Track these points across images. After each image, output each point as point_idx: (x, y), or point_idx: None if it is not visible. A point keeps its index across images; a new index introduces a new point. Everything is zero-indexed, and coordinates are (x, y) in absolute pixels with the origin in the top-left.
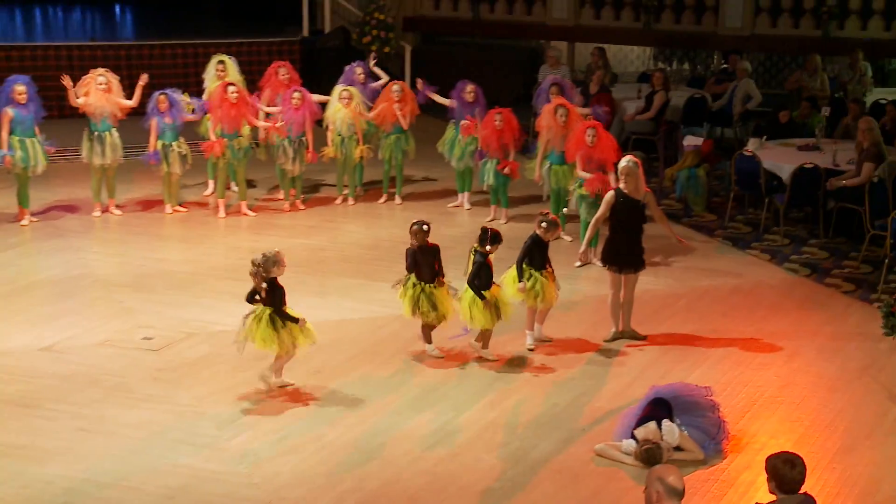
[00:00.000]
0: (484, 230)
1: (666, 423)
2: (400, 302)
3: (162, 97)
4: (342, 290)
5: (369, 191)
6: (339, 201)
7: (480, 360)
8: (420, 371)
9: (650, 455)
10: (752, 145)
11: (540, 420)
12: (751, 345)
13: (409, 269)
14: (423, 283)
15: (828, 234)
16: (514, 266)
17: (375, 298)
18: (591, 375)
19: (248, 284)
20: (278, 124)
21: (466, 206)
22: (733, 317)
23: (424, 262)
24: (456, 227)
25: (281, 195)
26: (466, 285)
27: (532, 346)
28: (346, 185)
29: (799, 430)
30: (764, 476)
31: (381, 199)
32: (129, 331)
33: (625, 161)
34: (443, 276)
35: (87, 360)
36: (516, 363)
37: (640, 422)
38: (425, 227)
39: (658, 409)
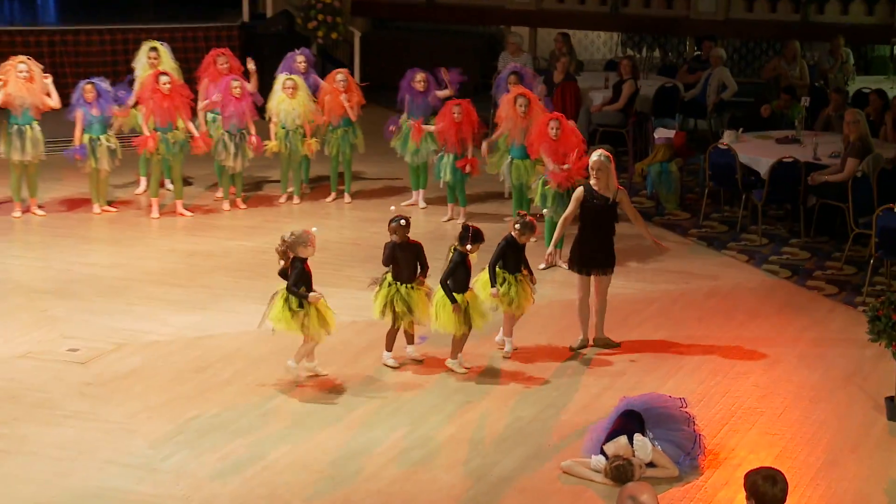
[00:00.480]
0: (465, 228)
1: (638, 437)
2: (365, 304)
3: (88, 87)
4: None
5: (316, 188)
6: (283, 200)
7: (449, 371)
8: (373, 383)
9: (621, 472)
10: (727, 138)
11: (503, 435)
12: (728, 352)
13: (385, 263)
14: (399, 282)
15: (809, 233)
16: (487, 269)
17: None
18: (558, 386)
19: (183, 290)
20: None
21: (421, 204)
22: (709, 322)
23: (404, 260)
24: (412, 228)
25: (220, 193)
26: (439, 285)
27: (509, 354)
28: (290, 183)
29: (780, 444)
30: (743, 493)
31: (329, 198)
32: (53, 342)
33: (596, 155)
34: (424, 277)
35: (5, 375)
36: (479, 373)
37: (610, 436)
38: (403, 221)
39: (629, 422)
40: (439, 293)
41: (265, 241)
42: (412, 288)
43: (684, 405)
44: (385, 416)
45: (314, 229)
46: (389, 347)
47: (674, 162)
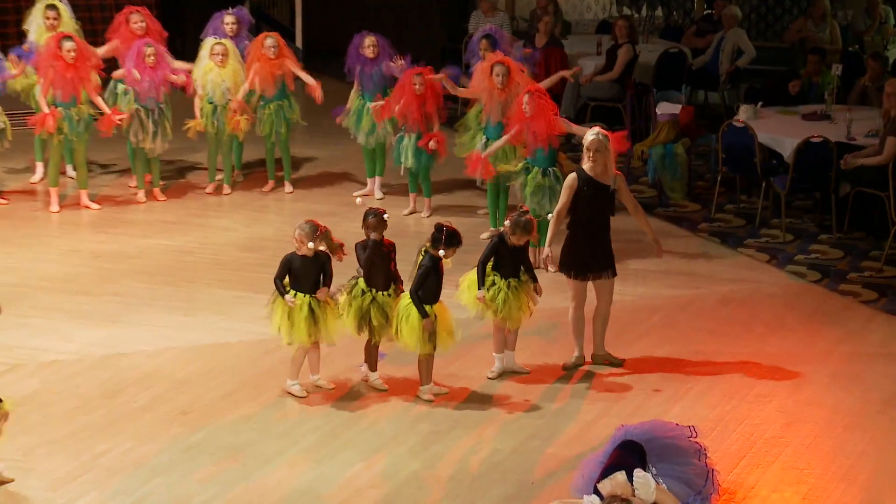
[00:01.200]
0: (438, 228)
1: (638, 472)
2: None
3: None
4: (216, 306)
5: (250, 176)
6: (210, 190)
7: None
8: (320, 409)
9: None
10: (743, 114)
11: (477, 472)
12: (746, 371)
13: (366, 266)
14: (374, 290)
15: (842, 227)
16: (476, 269)
17: (259, 316)
18: (544, 413)
19: (89, 299)
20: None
21: (377, 194)
22: (723, 335)
23: (380, 264)
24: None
25: (134, 182)
26: (407, 294)
27: (494, 375)
28: (219, 169)
29: (809, 481)
30: None
31: (267, 187)
32: None
33: (592, 134)
34: (401, 283)
35: None
36: (450, 398)
37: (606, 472)
38: (385, 215)
39: (628, 455)
40: (398, 306)
41: (189, 240)
42: (390, 296)
43: (694, 434)
44: (335, 449)
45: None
46: (374, 366)
47: (680, 143)
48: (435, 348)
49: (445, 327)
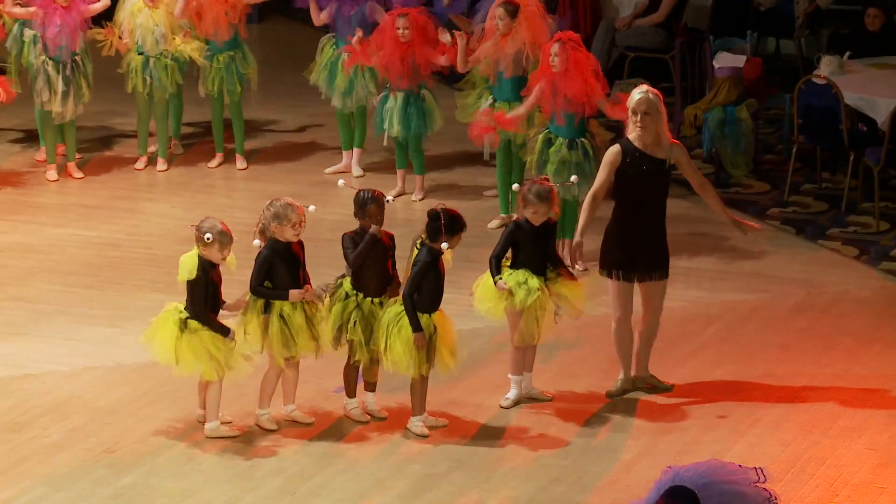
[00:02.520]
0: (435, 214)
1: None
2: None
3: None
4: (148, 314)
5: (191, 147)
6: (141, 165)
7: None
8: (284, 447)
9: None
10: (826, 68)
11: None
12: (829, 397)
13: (355, 265)
14: (361, 294)
15: None
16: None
17: None
18: (570, 451)
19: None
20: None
21: (356, 171)
22: (800, 352)
23: (374, 263)
24: (340, 208)
25: (42, 155)
26: (398, 300)
27: (508, 404)
28: (152, 135)
29: None
30: None
31: (214, 161)
32: None
33: (639, 92)
34: (399, 287)
35: None
36: (450, 432)
37: None
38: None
39: (678, 503)
40: (389, 314)
41: (114, 230)
42: (381, 305)
43: (762, 479)
44: (303, 497)
45: (311, 207)
46: (352, 393)
47: (744, 105)
48: (429, 368)
49: (446, 343)
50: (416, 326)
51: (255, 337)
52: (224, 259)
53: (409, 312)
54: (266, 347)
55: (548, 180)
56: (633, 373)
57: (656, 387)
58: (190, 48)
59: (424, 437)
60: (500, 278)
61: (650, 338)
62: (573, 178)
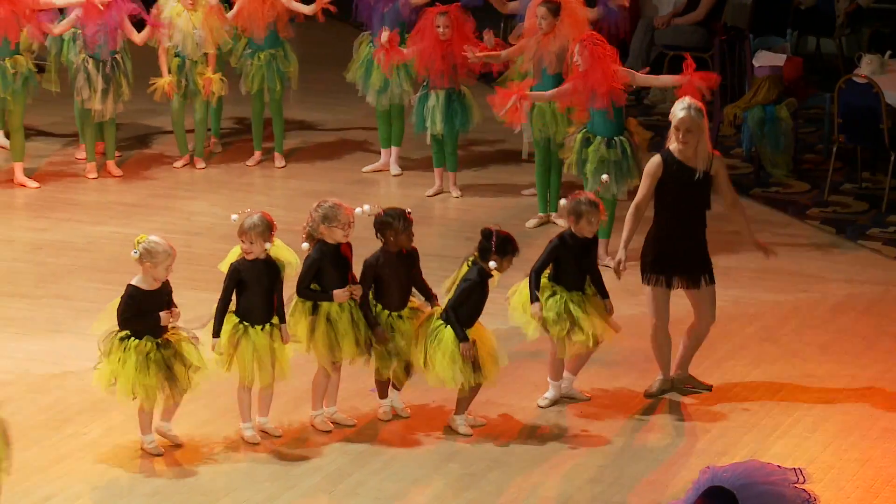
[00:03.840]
0: (487, 233)
1: None
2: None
3: None
4: (186, 312)
5: (230, 145)
6: (180, 164)
7: (449, 431)
8: (323, 444)
9: None
10: (867, 66)
11: None
12: (869, 398)
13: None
14: (381, 307)
15: None
16: (527, 280)
17: None
18: (609, 451)
19: (26, 302)
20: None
21: (394, 169)
22: (840, 352)
23: (395, 279)
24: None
25: (82, 153)
26: (435, 312)
27: (546, 404)
28: (190, 131)
29: None
30: None
31: (252, 160)
32: None
33: (683, 108)
34: (435, 297)
35: None
36: (488, 431)
37: None
38: (363, 210)
39: None
40: (425, 330)
41: (152, 228)
42: (400, 318)
43: (801, 480)
44: (341, 496)
45: (363, 209)
46: (384, 395)
47: (784, 104)
48: (477, 380)
49: (489, 353)
50: (463, 336)
51: (302, 338)
52: (266, 252)
53: (454, 324)
54: (312, 349)
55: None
56: (672, 373)
57: (695, 387)
58: (214, 78)
59: (468, 435)
60: (538, 301)
61: (696, 343)
62: (604, 176)
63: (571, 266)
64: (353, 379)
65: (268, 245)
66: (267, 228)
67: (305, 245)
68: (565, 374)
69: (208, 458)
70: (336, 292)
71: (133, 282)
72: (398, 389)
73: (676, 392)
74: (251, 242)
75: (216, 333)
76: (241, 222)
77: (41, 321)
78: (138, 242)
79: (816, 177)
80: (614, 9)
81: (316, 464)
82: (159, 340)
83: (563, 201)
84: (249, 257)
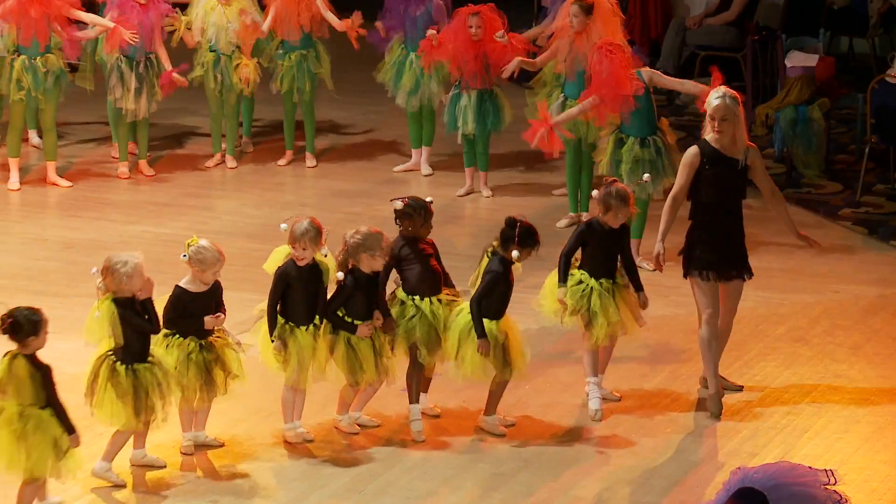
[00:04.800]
0: (511, 221)
1: None
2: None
3: None
4: None
5: (260, 144)
6: (212, 163)
7: (479, 431)
8: (351, 444)
9: None
10: None
11: None
12: None
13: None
14: (418, 297)
15: None
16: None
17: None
18: (638, 452)
19: (58, 301)
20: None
21: (425, 169)
22: (872, 353)
23: (419, 264)
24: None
25: (115, 152)
26: (465, 305)
27: (598, 414)
28: (225, 136)
29: None
30: None
31: (283, 160)
32: None
33: (718, 96)
34: (453, 287)
35: None
36: (517, 432)
37: None
38: (430, 202)
39: None
40: (458, 323)
41: (184, 227)
42: (442, 303)
43: (832, 481)
44: (370, 496)
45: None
46: (418, 396)
47: (816, 104)
48: (508, 372)
49: (517, 345)
50: (481, 332)
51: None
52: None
53: (475, 318)
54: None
55: (616, 181)
56: (702, 375)
57: (726, 387)
58: (250, 65)
59: (502, 435)
60: (564, 284)
61: (723, 340)
62: (645, 175)
63: (599, 252)
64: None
65: (323, 250)
66: (318, 234)
67: (340, 275)
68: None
69: (239, 457)
70: (361, 329)
71: (181, 283)
72: (424, 391)
73: (706, 392)
74: (304, 248)
75: (272, 334)
76: (290, 229)
77: (72, 320)
78: (188, 245)
79: (848, 177)
80: None
81: (346, 463)
82: (203, 342)
83: (594, 192)
84: (301, 263)
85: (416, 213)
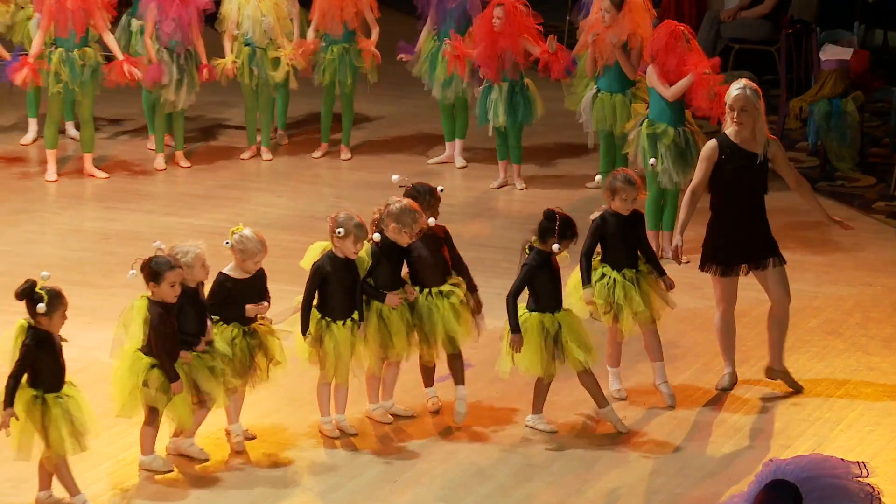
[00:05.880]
0: (550, 214)
1: None
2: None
3: None
4: None
5: (296, 136)
6: (247, 155)
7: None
8: (386, 437)
9: None
10: None
11: None
12: None
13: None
14: (430, 288)
15: None
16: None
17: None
18: (668, 444)
19: (94, 292)
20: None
21: (459, 161)
22: None
23: (432, 256)
24: (443, 200)
25: (152, 144)
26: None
27: (621, 395)
28: (260, 129)
29: None
30: None
31: (318, 152)
32: None
33: (737, 88)
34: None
35: None
36: (554, 423)
37: None
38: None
39: (779, 498)
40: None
41: (219, 218)
42: (441, 294)
43: (865, 473)
44: (405, 485)
45: (394, 178)
46: (430, 383)
47: (850, 98)
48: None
49: (575, 339)
50: (515, 327)
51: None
52: (356, 253)
53: (510, 313)
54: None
55: (623, 169)
56: (768, 363)
57: (790, 384)
58: (290, 52)
59: (553, 432)
60: (590, 285)
61: (780, 329)
62: (651, 160)
63: (618, 244)
64: (413, 371)
65: (368, 242)
66: (363, 231)
67: (377, 236)
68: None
69: (274, 447)
70: (389, 298)
71: (224, 270)
72: (431, 384)
73: (741, 384)
74: (353, 247)
75: (305, 331)
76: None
77: (109, 310)
78: (232, 233)
79: (882, 171)
80: None
81: (380, 454)
82: (246, 328)
83: (598, 177)
84: (342, 255)
85: (419, 197)
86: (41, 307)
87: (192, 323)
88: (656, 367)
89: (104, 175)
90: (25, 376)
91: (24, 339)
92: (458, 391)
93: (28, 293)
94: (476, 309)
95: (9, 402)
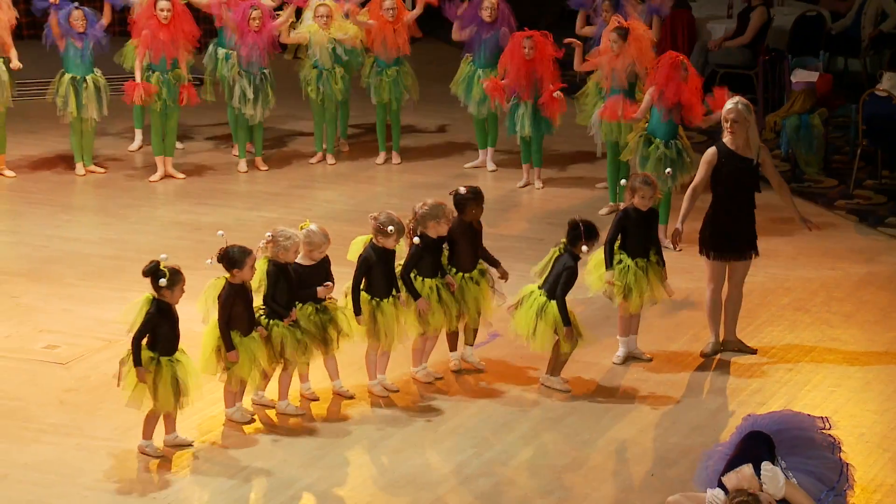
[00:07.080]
0: (575, 224)
1: (766, 465)
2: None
3: (78, 12)
4: None
5: (355, 144)
6: (315, 160)
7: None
8: (427, 395)
9: None
10: (887, 82)
11: (594, 462)
12: (887, 359)
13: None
14: (454, 269)
15: None
16: (602, 248)
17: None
18: (666, 401)
19: (188, 273)
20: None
21: (490, 166)
22: (861, 320)
23: (467, 244)
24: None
25: (235, 151)
26: (533, 288)
27: (619, 360)
28: (325, 138)
29: None
30: None
31: (380, 158)
32: (26, 337)
33: (731, 103)
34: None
35: None
36: (570, 384)
37: (732, 464)
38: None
39: (755, 447)
40: (534, 304)
41: (290, 212)
42: (471, 279)
43: (827, 426)
44: (445, 433)
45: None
46: (454, 347)
47: (817, 113)
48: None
49: (580, 320)
50: (567, 321)
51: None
52: (395, 245)
53: (563, 312)
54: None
55: (641, 173)
56: (722, 337)
57: (743, 350)
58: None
59: (567, 391)
60: (612, 268)
61: (736, 307)
62: (668, 170)
63: (637, 235)
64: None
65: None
66: (403, 229)
67: (417, 239)
68: (630, 335)
69: (333, 405)
70: (420, 303)
71: (296, 259)
72: (471, 345)
73: (726, 353)
74: (395, 240)
75: (358, 312)
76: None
77: (200, 289)
78: (301, 228)
79: (843, 174)
80: (655, 6)
81: (422, 410)
82: (318, 306)
83: (622, 181)
84: (389, 246)
85: (472, 198)
86: (163, 282)
87: (283, 295)
88: (632, 339)
89: (181, 176)
90: (145, 340)
91: (148, 308)
92: (467, 350)
93: (153, 271)
94: (504, 276)
95: (137, 360)
